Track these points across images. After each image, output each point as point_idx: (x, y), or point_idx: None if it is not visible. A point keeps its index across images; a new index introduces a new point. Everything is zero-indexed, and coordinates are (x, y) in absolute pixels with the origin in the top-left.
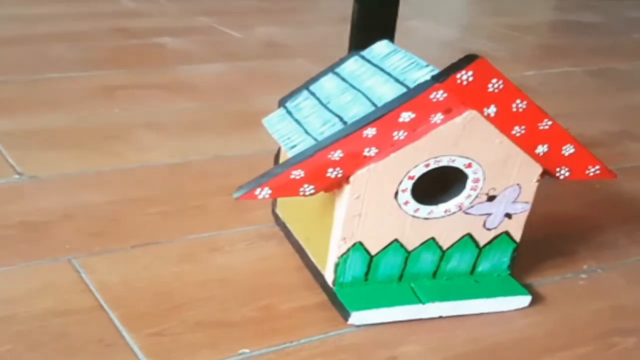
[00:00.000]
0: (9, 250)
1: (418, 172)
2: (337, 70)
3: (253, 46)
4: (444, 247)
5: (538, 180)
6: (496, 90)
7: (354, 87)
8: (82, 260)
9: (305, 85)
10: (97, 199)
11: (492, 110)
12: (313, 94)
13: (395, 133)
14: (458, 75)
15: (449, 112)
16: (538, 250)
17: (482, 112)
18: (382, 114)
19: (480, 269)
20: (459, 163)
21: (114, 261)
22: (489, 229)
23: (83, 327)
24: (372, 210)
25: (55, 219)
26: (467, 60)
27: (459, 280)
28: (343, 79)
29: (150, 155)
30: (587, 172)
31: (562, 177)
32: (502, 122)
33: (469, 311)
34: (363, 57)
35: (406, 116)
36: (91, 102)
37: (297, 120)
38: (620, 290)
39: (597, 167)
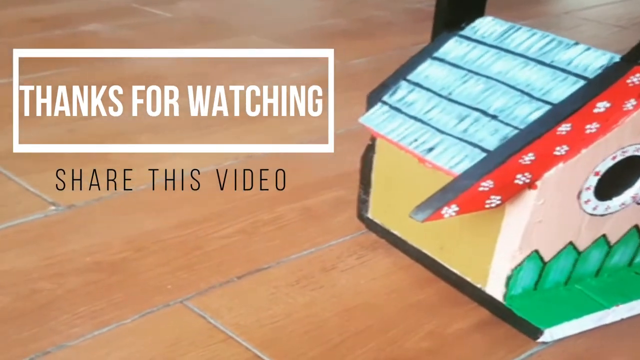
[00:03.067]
0: (103, 299)
1: (605, 166)
2: (438, 55)
3: (188, 26)
4: (612, 243)
5: None
6: None
7: (478, 74)
8: (195, 301)
9: (401, 75)
10: (157, 225)
11: None
12: (418, 84)
13: (588, 126)
14: None
15: None
16: None
17: None
18: (578, 107)
19: (637, 260)
20: None
21: (230, 297)
22: None
23: None
24: (554, 215)
25: (127, 255)
26: None
27: (620, 275)
28: (455, 65)
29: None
30: None
31: None
32: None
33: None
34: (468, 38)
35: (602, 106)
36: None
37: (414, 117)
38: None
39: None
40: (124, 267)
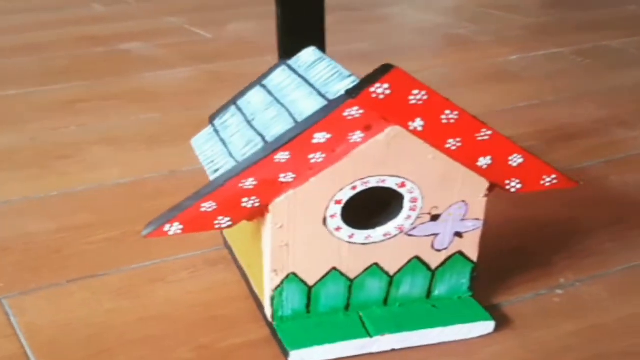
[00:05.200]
0: None
1: (345, 195)
2: (265, 82)
3: (221, 46)
4: (391, 273)
5: (486, 195)
6: (420, 102)
7: (278, 102)
8: (13, 300)
9: (234, 100)
10: (40, 228)
11: (418, 124)
12: (240, 109)
13: (311, 156)
14: (372, 89)
15: (368, 129)
16: (507, 264)
17: (407, 127)
18: (294, 136)
19: (436, 292)
20: (391, 183)
21: (47, 299)
22: (438, 250)
23: None
24: (301, 239)
25: None
26: (382, 72)
27: (414, 306)
28: (269, 92)
29: (102, 175)
30: (542, 182)
31: (513, 189)
32: (433, 136)
33: (425, 342)
34: (290, 67)
35: (321, 137)
36: (48, 119)
37: (222, 140)
38: (603, 307)
39: (554, 176)
40: None
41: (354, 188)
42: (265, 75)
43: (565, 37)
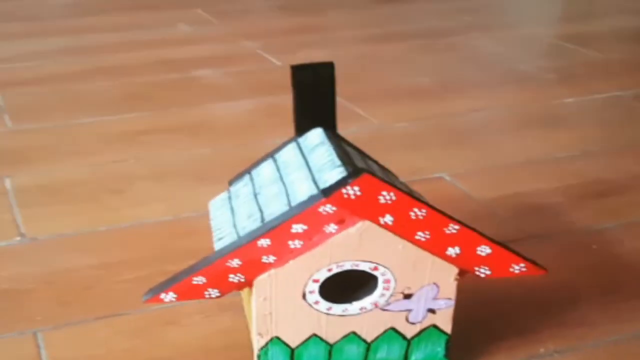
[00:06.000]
0: None
1: (322, 275)
2: (276, 156)
3: (288, 76)
4: (368, 340)
5: (457, 279)
6: (389, 202)
7: (282, 179)
8: (46, 334)
9: (249, 169)
10: (81, 263)
11: (388, 219)
12: (252, 180)
13: (290, 242)
14: (344, 191)
15: (341, 222)
16: (489, 329)
17: (377, 222)
18: (274, 226)
19: (413, 358)
20: (364, 267)
21: (74, 335)
22: (413, 323)
23: None
24: (283, 310)
25: (36, 287)
26: (351, 176)
27: None
28: (277, 168)
29: (146, 211)
30: (511, 269)
31: (482, 275)
32: (402, 230)
33: None
34: (298, 145)
35: (298, 227)
36: (110, 151)
37: (232, 209)
38: None
39: (522, 265)
40: (25, 296)
41: (329, 270)
42: (279, 148)
43: (631, 78)
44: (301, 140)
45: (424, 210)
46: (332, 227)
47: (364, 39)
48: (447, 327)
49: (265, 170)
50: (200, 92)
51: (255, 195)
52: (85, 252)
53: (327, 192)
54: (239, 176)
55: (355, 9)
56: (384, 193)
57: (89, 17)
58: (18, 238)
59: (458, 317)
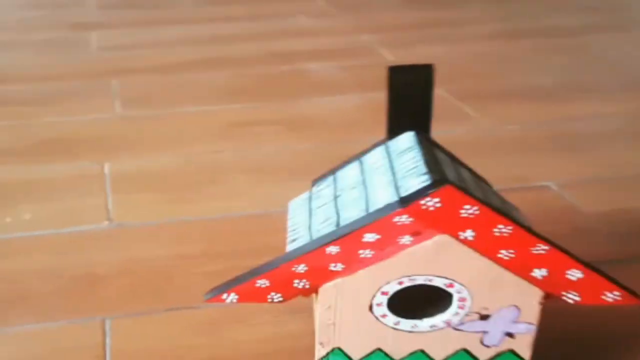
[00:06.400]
0: (55, 305)
1: (391, 288)
2: (363, 158)
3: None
4: (437, 359)
5: (541, 303)
6: (471, 216)
7: (364, 183)
8: (115, 321)
9: (335, 169)
10: (162, 253)
11: (469, 234)
12: (335, 181)
13: (361, 251)
14: (422, 202)
15: (417, 234)
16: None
17: (456, 236)
18: (345, 234)
19: None
20: (438, 282)
21: (144, 325)
22: (487, 346)
23: None
24: (347, 320)
25: (114, 273)
26: (432, 186)
27: None
28: (362, 171)
29: (234, 204)
30: (603, 297)
31: (571, 301)
32: (484, 246)
33: None
34: (387, 149)
35: (370, 237)
36: (209, 142)
37: (310, 210)
38: None
39: (617, 292)
40: (101, 282)
41: (400, 283)
42: (367, 151)
43: None
44: (391, 143)
45: (509, 227)
46: (406, 239)
47: (488, 35)
48: (526, 354)
49: (350, 172)
50: (308, 86)
51: (335, 198)
52: (168, 242)
53: (405, 202)
54: (323, 176)
55: (485, 4)
56: (467, 207)
57: (208, 7)
58: (106, 222)
59: (537, 344)
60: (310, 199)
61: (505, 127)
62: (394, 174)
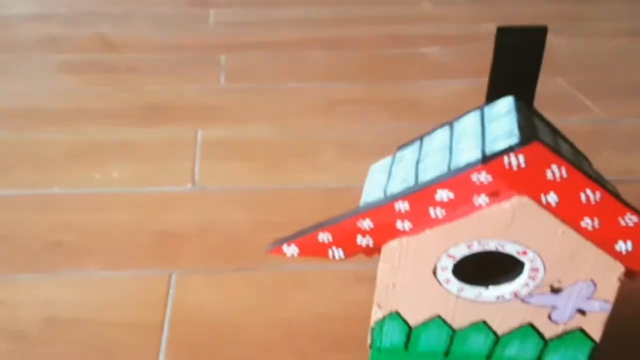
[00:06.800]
0: (128, 256)
1: (459, 252)
2: (455, 123)
3: None
4: (499, 332)
5: (620, 279)
6: (558, 179)
7: (450, 148)
8: (181, 276)
9: (423, 135)
10: (239, 217)
11: (552, 198)
12: (421, 146)
13: (431, 210)
14: (506, 159)
15: (496, 195)
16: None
17: (538, 200)
18: (416, 190)
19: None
20: (511, 249)
21: (207, 283)
22: (556, 322)
23: (128, 344)
24: (409, 283)
25: (190, 233)
26: (520, 144)
27: None
28: (451, 135)
29: (318, 177)
30: None
31: None
32: (567, 213)
33: None
34: (482, 114)
35: (443, 194)
36: (310, 116)
37: (390, 173)
38: None
39: None
40: (176, 240)
41: (469, 247)
42: (461, 116)
43: None
44: (487, 108)
45: (598, 194)
46: (482, 199)
47: (624, 31)
48: (597, 334)
49: (438, 137)
50: (419, 69)
51: (418, 162)
52: (246, 208)
53: (487, 159)
54: (410, 142)
55: (620, 1)
56: (554, 167)
57: None
58: (189, 185)
59: (609, 325)
60: (392, 163)
61: (622, 121)
62: (483, 138)
